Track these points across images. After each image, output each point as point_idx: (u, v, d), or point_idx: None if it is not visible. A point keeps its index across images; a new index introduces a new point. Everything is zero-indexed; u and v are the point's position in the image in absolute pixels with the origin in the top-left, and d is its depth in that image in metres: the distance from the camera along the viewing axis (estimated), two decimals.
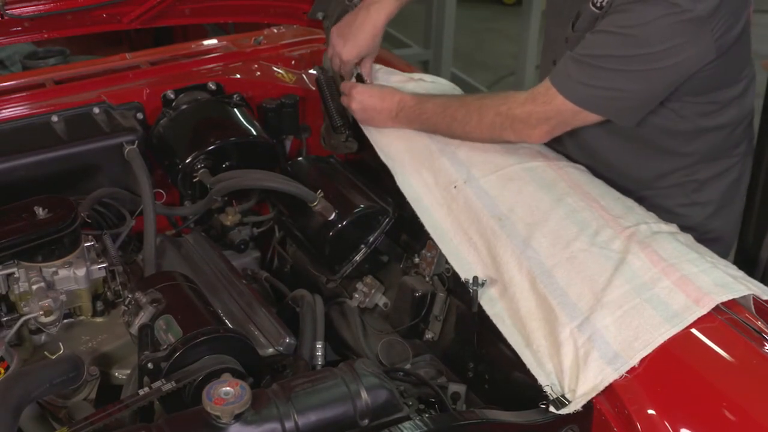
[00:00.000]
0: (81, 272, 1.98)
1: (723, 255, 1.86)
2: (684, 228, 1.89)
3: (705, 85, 1.98)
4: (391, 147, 2.21)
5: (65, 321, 1.99)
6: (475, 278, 1.80)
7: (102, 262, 2.03)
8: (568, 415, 1.56)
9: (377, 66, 2.40)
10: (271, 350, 1.97)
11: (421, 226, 2.03)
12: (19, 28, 2.22)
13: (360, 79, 2.33)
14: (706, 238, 2.08)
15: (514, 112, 2.01)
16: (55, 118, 2.35)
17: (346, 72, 2.34)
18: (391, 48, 5.43)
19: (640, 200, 2.00)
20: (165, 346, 1.71)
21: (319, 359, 2.02)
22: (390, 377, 1.72)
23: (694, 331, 1.59)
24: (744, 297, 1.66)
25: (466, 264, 1.90)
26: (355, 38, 2.27)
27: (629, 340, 1.59)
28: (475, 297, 1.80)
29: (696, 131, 2.07)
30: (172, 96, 2.50)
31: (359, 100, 2.21)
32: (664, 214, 1.99)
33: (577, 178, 2.01)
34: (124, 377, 1.90)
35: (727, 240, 2.28)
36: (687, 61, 1.88)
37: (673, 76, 1.92)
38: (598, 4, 1.96)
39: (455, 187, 2.02)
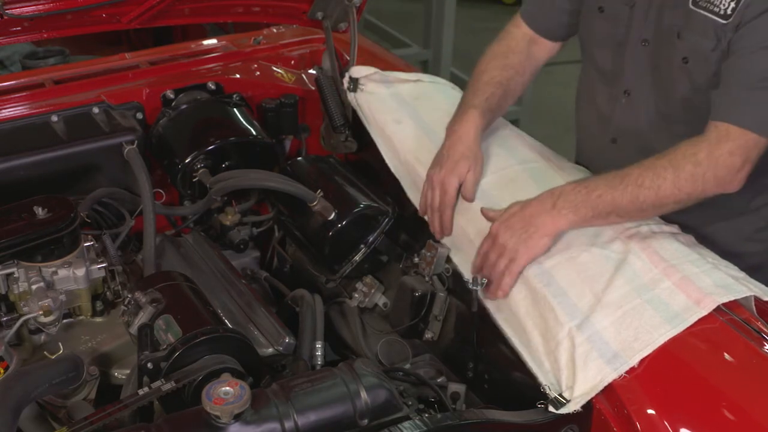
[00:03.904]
0: (80, 272, 1.98)
1: None
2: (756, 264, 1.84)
3: None
4: (392, 148, 2.21)
5: (65, 321, 1.99)
6: (475, 278, 1.80)
7: (101, 262, 2.03)
8: (568, 414, 1.56)
9: (373, 70, 2.39)
10: (270, 350, 1.97)
11: (420, 225, 2.03)
12: (19, 28, 2.21)
13: (355, 83, 2.32)
14: None
15: (715, 154, 1.77)
16: (54, 118, 2.35)
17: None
18: (391, 48, 5.43)
19: (715, 231, 1.98)
20: (164, 346, 1.71)
21: (319, 359, 2.02)
22: (389, 377, 1.71)
23: (694, 331, 1.59)
24: (745, 298, 1.67)
25: (466, 263, 1.90)
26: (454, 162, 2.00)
27: (629, 341, 1.59)
28: (475, 296, 1.80)
29: None
30: (172, 96, 2.50)
31: (508, 221, 1.80)
32: (742, 242, 2.00)
33: (578, 178, 2.00)
34: (123, 377, 1.90)
35: None
36: None
37: None
38: (721, 12, 1.83)
39: None
